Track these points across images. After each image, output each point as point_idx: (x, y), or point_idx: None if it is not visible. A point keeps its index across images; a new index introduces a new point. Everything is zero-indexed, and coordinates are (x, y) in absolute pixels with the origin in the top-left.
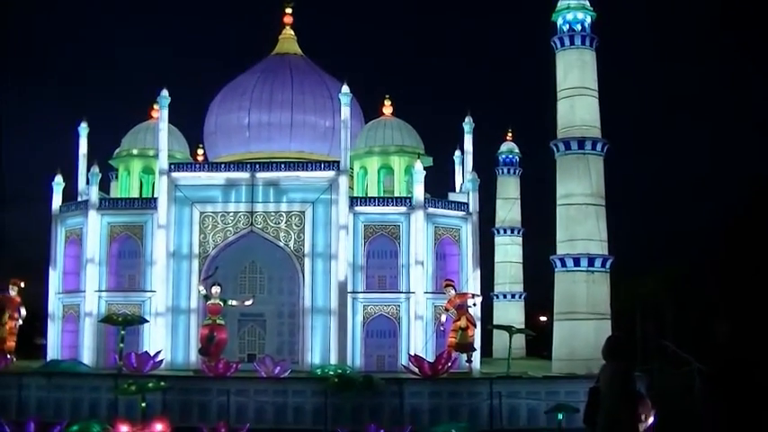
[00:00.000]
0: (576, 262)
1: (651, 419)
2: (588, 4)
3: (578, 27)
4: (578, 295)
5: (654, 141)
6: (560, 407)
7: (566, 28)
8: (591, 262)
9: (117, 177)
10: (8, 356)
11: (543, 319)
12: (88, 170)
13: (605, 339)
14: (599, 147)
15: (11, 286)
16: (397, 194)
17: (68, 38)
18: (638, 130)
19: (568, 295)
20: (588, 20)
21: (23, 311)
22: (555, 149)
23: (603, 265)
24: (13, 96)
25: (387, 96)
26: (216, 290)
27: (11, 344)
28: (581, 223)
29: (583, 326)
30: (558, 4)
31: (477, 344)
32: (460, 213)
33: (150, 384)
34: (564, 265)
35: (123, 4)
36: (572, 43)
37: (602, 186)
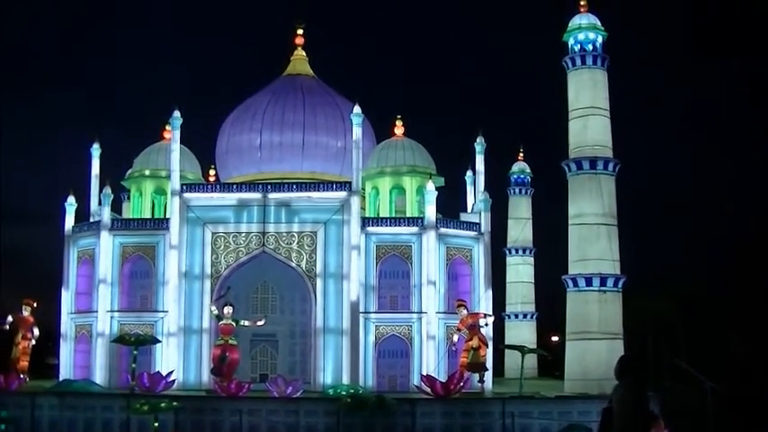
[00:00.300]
0: (589, 282)
1: None
2: (599, 23)
3: (590, 47)
4: (591, 315)
5: (666, 159)
6: (573, 427)
7: (577, 48)
8: (603, 281)
9: (129, 198)
10: (21, 376)
11: (555, 338)
12: (100, 191)
13: (617, 359)
14: (611, 167)
15: (24, 306)
16: (408, 215)
17: (80, 59)
18: (649, 148)
19: (581, 315)
20: (599, 40)
21: (36, 331)
22: (567, 169)
23: (616, 284)
24: (25, 117)
25: (398, 117)
26: (228, 310)
27: (24, 363)
28: (593, 243)
29: (595, 345)
30: (570, 25)
31: (490, 364)
32: (472, 233)
33: (163, 404)
34: (576, 284)
35: (135, 27)
36: (583, 63)
37: (614, 206)
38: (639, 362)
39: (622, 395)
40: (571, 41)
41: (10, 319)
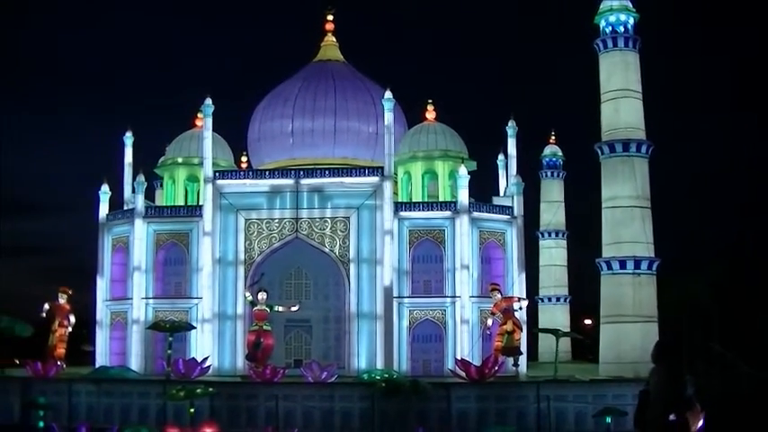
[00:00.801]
0: (623, 264)
1: (700, 423)
2: (630, 5)
3: (621, 29)
4: (625, 298)
5: (699, 139)
6: (608, 410)
7: (608, 30)
8: (637, 264)
9: (162, 186)
10: (58, 363)
11: (588, 322)
12: (134, 179)
13: (655, 342)
14: (644, 149)
15: (60, 294)
16: (441, 199)
17: (113, 47)
18: (682, 129)
19: (615, 298)
20: (631, 21)
21: (72, 319)
22: (599, 152)
23: (650, 267)
24: (58, 108)
25: (429, 101)
26: (262, 296)
27: (61, 351)
28: (627, 226)
29: (629, 329)
30: (601, 6)
31: (524, 347)
32: (505, 217)
33: (199, 390)
34: (610, 267)
35: (165, 15)
36: (615, 45)
37: (647, 188)
38: (677, 345)
39: (659, 379)
40: (602, 23)
41: (47, 306)
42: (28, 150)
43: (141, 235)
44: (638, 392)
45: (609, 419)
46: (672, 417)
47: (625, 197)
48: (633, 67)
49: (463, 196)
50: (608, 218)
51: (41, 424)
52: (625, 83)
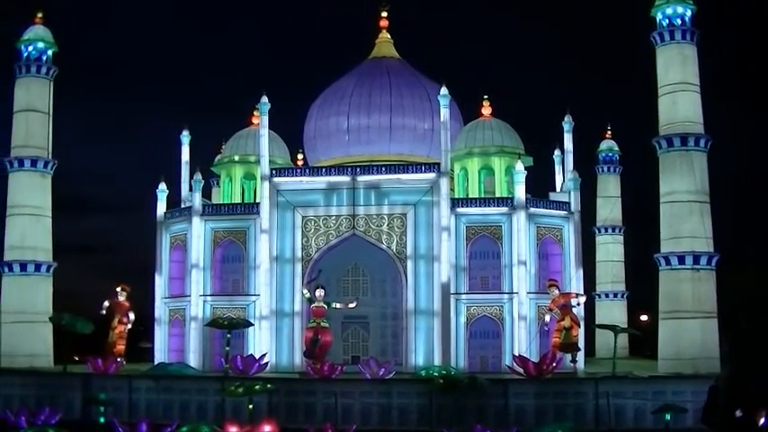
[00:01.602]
0: (681, 260)
1: (762, 420)
2: None
3: (678, 21)
4: (683, 294)
5: (759, 133)
6: (667, 407)
7: (665, 23)
8: (696, 260)
9: (219, 184)
10: (118, 360)
11: (644, 318)
12: (191, 177)
13: (726, 338)
14: (702, 143)
15: (120, 291)
16: (498, 195)
17: (169, 46)
18: (741, 122)
19: (673, 294)
20: (688, 13)
21: (132, 316)
22: (657, 146)
23: (709, 262)
24: (115, 107)
25: (485, 96)
26: (320, 293)
27: (120, 347)
28: (685, 221)
29: (689, 324)
30: None
31: (581, 344)
32: (562, 213)
33: (257, 386)
34: (668, 263)
35: (222, 14)
36: (672, 38)
37: (706, 183)
38: (748, 341)
39: (729, 375)
40: (659, 16)
41: (107, 304)
42: (88, 149)
43: (199, 233)
44: (708, 388)
45: (668, 416)
46: (738, 413)
47: (683, 192)
48: (691, 60)
49: (520, 192)
50: (666, 213)
51: (102, 420)
52: (683, 76)
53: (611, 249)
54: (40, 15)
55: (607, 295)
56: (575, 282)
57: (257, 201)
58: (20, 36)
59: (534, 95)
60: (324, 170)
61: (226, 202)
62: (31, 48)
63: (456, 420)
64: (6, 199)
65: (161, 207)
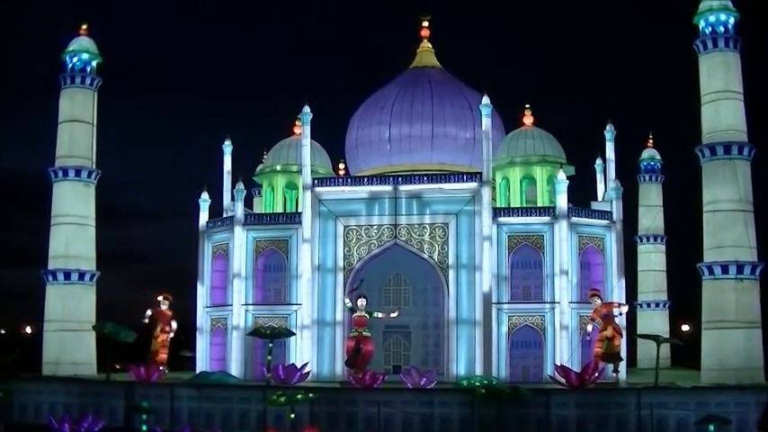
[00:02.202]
0: (725, 269)
1: None
2: (731, 4)
3: (721, 29)
4: (727, 303)
5: None
6: (711, 418)
7: (708, 30)
8: (740, 269)
9: (260, 193)
10: (161, 368)
11: (686, 327)
12: (233, 186)
13: None
14: (746, 151)
15: (162, 300)
16: (539, 204)
17: (213, 56)
18: None
19: (717, 303)
20: (731, 21)
21: (174, 325)
22: (700, 155)
23: (753, 272)
24: (159, 117)
25: (527, 106)
26: (362, 302)
27: (163, 356)
28: (729, 230)
29: (732, 335)
30: (700, 6)
31: (623, 354)
32: (604, 222)
33: (299, 396)
34: (711, 272)
35: (262, 26)
36: (715, 46)
37: (749, 191)
38: None
39: None
40: (702, 24)
41: (149, 312)
42: (131, 159)
43: (241, 242)
44: (766, 401)
45: (712, 427)
46: None
47: (727, 200)
48: (734, 67)
49: (562, 201)
50: (709, 222)
51: (144, 427)
52: (726, 84)
53: (653, 258)
54: (84, 27)
55: (649, 305)
56: (617, 291)
57: (299, 210)
58: (65, 47)
59: (576, 104)
60: (365, 180)
61: (268, 211)
62: (75, 59)
63: (497, 430)
64: (51, 208)
65: (203, 216)
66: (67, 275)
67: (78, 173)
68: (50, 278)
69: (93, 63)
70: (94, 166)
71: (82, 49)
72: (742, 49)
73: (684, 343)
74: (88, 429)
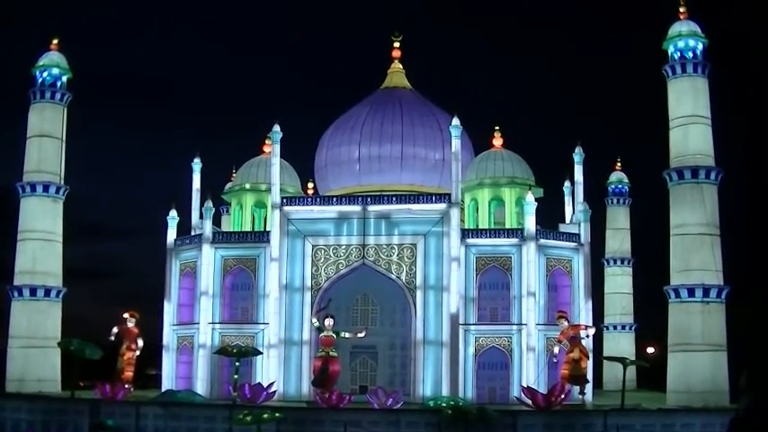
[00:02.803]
0: (691, 292)
1: None
2: (700, 31)
3: (690, 55)
4: (693, 326)
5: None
6: None
7: (677, 56)
8: (706, 292)
9: (229, 211)
10: (126, 386)
11: (651, 350)
12: (202, 205)
13: (746, 369)
14: (713, 175)
15: (129, 318)
16: (508, 226)
17: (182, 73)
18: (751, 154)
19: (683, 326)
20: (700, 47)
21: (141, 342)
22: (668, 179)
23: (719, 295)
24: (125, 134)
25: (497, 128)
26: (329, 322)
27: (129, 374)
28: (695, 253)
29: (698, 357)
30: (669, 32)
31: (590, 375)
32: (572, 244)
33: (266, 415)
34: (678, 295)
35: (235, 44)
36: (684, 71)
37: (716, 215)
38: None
39: (751, 406)
40: (671, 49)
41: (116, 330)
42: (99, 175)
43: (209, 260)
44: (730, 420)
45: None
46: None
47: (694, 224)
48: (702, 92)
49: (530, 223)
50: (676, 245)
51: None
52: (694, 109)
53: (619, 281)
54: (55, 42)
55: (615, 327)
56: (584, 313)
57: (268, 229)
58: (35, 62)
59: (545, 127)
60: (335, 199)
61: (236, 229)
62: (45, 74)
63: None
64: (18, 224)
65: (171, 234)
66: (33, 291)
67: (46, 188)
68: (16, 294)
69: (64, 78)
70: (63, 182)
71: (52, 64)
72: (710, 74)
73: (650, 365)
74: None
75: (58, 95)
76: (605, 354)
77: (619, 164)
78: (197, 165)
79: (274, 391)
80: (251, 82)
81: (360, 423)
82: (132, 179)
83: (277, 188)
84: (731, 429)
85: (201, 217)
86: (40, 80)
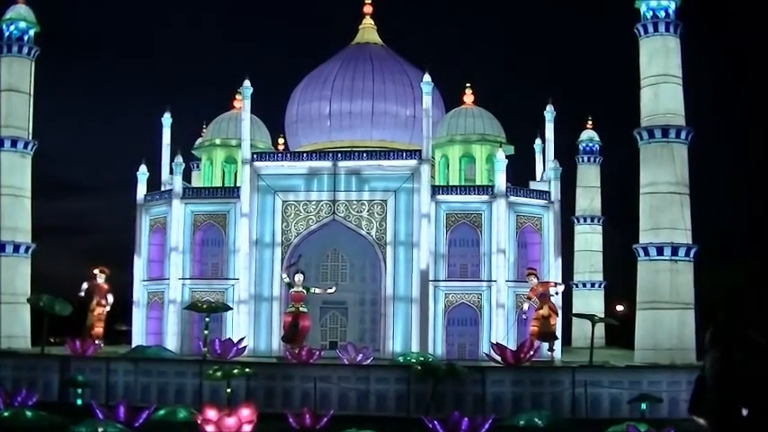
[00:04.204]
0: (660, 251)
1: (744, 411)
2: None
3: (662, 14)
4: (662, 285)
5: (739, 127)
6: (644, 397)
7: (649, 15)
8: (675, 251)
9: (199, 167)
10: (96, 342)
11: (620, 308)
12: (172, 160)
13: (710, 327)
14: (683, 135)
15: (99, 274)
16: (478, 183)
17: (150, 28)
18: (722, 115)
19: (652, 284)
20: (672, 6)
21: (111, 298)
22: (638, 138)
23: (687, 254)
24: (96, 88)
25: (468, 84)
26: (299, 278)
27: (99, 330)
28: (665, 212)
29: (666, 315)
30: None
31: (559, 333)
32: (542, 202)
33: (236, 370)
34: (647, 254)
35: None
36: (656, 30)
37: (686, 175)
38: (734, 331)
39: (717, 365)
40: (643, 8)
41: (85, 286)
42: (68, 130)
43: (179, 216)
44: (695, 378)
45: (644, 406)
46: (744, 411)
47: (664, 183)
48: (674, 52)
49: (500, 180)
50: (646, 204)
51: (80, 401)
52: (665, 68)
53: (589, 239)
54: None
55: (585, 285)
56: (553, 271)
57: (238, 185)
58: (1, 15)
59: (517, 84)
60: (305, 155)
61: (206, 185)
62: (12, 27)
63: (433, 407)
64: None
65: (141, 190)
66: (2, 247)
67: (14, 143)
68: None
69: (31, 32)
70: (31, 137)
71: (19, 18)
72: (682, 34)
73: (619, 323)
74: (22, 403)
75: (25, 49)
76: (575, 311)
77: (590, 122)
78: (167, 120)
79: (244, 347)
80: (221, 36)
81: (330, 378)
82: (102, 134)
83: (247, 144)
84: (697, 387)
85: (172, 172)
86: (6, 34)
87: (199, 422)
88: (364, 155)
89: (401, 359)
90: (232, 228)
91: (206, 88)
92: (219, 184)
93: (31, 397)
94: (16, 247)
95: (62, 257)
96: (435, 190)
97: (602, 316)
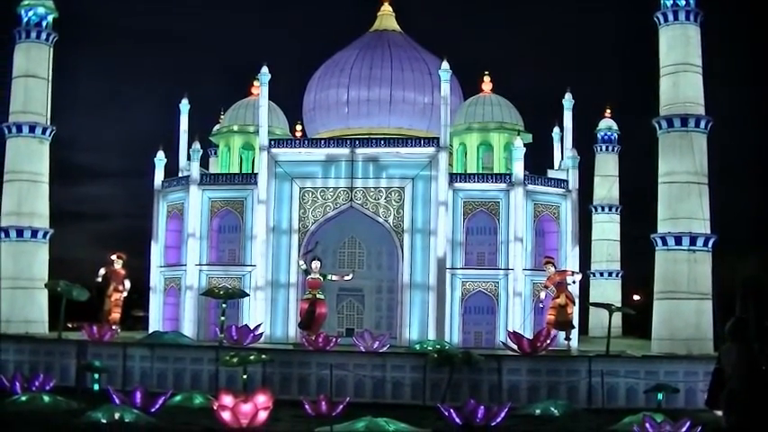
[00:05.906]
0: (678, 240)
1: None
2: None
3: (682, 2)
4: (679, 274)
5: (760, 115)
6: (660, 387)
7: (669, 3)
8: (693, 241)
9: (217, 153)
10: (113, 328)
11: (637, 297)
12: (189, 146)
13: (730, 320)
14: (702, 124)
15: (116, 259)
16: (496, 171)
17: (169, 14)
18: (742, 103)
19: (669, 274)
20: None
21: (128, 284)
22: (657, 127)
23: (706, 243)
24: (115, 74)
25: (486, 72)
26: (316, 264)
27: (116, 315)
28: (683, 201)
29: (684, 305)
30: None
31: (575, 322)
32: (560, 190)
33: (252, 357)
34: (665, 243)
35: None
36: (675, 18)
37: (705, 164)
38: (749, 323)
39: (738, 357)
40: None
41: (103, 271)
42: (86, 116)
43: (196, 202)
44: (713, 371)
45: (661, 396)
46: None
47: (682, 172)
48: (694, 41)
49: (518, 168)
50: (664, 193)
51: (96, 387)
52: (685, 57)
53: (607, 228)
54: None
55: (602, 274)
56: (571, 260)
57: (255, 171)
58: (20, 1)
59: (536, 73)
60: (323, 142)
61: (224, 171)
62: (31, 13)
63: (449, 395)
64: (4, 165)
65: (159, 176)
66: (20, 233)
67: (33, 129)
68: (2, 235)
69: (50, 18)
70: (49, 123)
71: (38, 3)
72: (702, 22)
73: (636, 312)
74: (39, 388)
75: (43, 35)
76: (591, 300)
77: (608, 111)
78: (185, 106)
79: (261, 333)
80: (241, 23)
81: (346, 366)
82: (120, 121)
83: (265, 130)
84: (715, 378)
85: (189, 159)
86: (25, 19)
87: (215, 408)
88: (382, 142)
89: (417, 347)
90: (249, 214)
91: (224, 75)
92: (237, 171)
93: (48, 382)
94: (34, 233)
95: (79, 243)
96: (453, 178)
97: (619, 305)
